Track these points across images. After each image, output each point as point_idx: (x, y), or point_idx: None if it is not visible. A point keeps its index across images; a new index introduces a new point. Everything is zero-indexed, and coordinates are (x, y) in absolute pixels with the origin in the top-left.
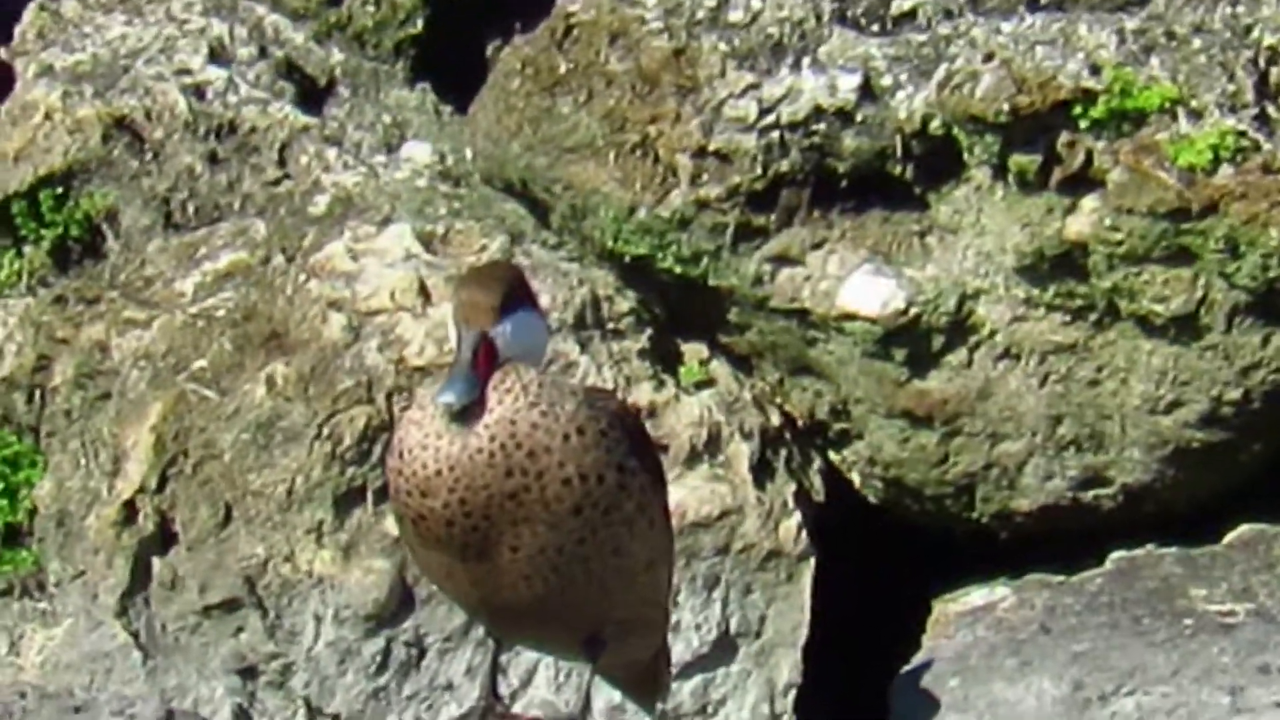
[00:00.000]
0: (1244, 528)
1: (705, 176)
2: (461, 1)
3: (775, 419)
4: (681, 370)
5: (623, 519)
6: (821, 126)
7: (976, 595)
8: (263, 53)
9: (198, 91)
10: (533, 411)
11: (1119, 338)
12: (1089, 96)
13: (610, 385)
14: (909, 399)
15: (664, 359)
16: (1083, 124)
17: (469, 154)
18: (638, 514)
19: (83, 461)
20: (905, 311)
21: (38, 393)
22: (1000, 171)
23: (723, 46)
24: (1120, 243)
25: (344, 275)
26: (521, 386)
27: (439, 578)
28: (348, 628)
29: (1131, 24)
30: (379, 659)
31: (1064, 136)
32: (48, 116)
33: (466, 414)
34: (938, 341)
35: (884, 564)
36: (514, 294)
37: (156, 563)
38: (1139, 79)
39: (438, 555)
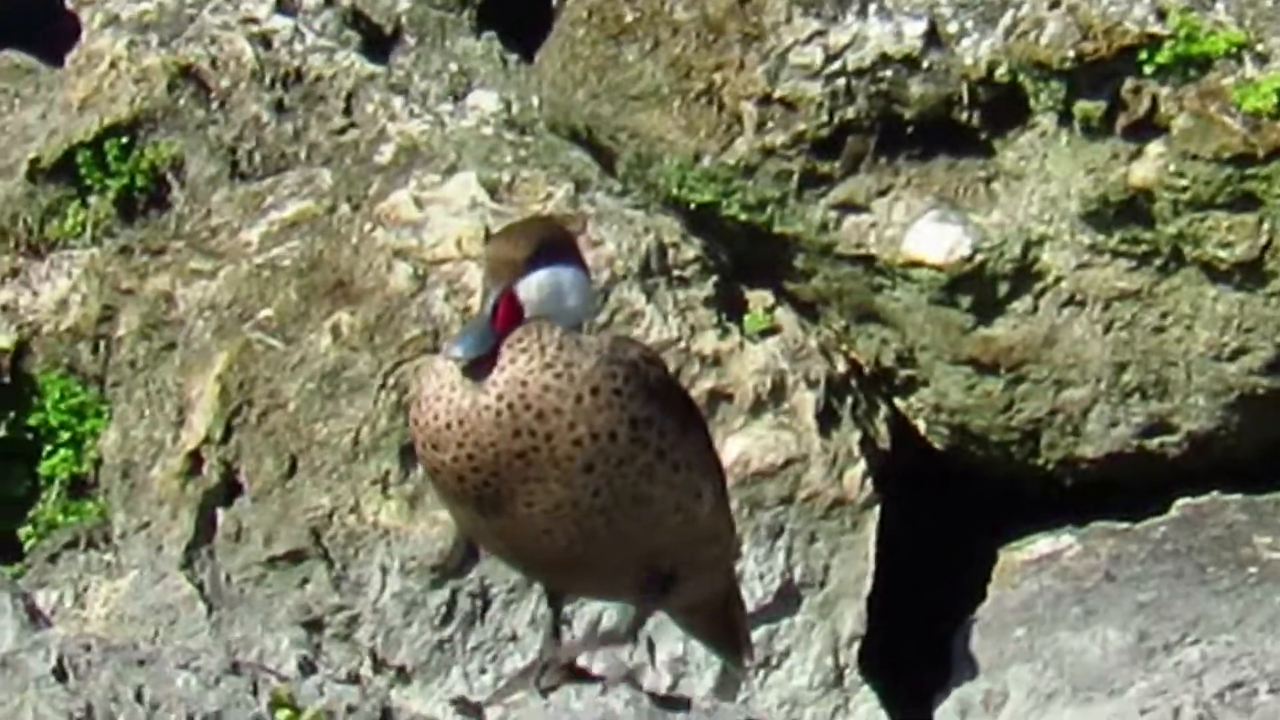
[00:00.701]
0: None
1: (770, 124)
2: None
3: (841, 366)
4: (746, 318)
5: (640, 469)
6: (887, 73)
7: (1042, 543)
8: (329, 1)
9: (264, 40)
10: (546, 373)
11: (1184, 284)
12: (1154, 42)
13: (674, 333)
14: (974, 346)
15: (729, 307)
16: (1148, 70)
17: (535, 102)
18: (657, 461)
19: (148, 412)
20: (971, 258)
21: (103, 343)
22: (1065, 118)
23: None
24: (1185, 189)
25: (410, 224)
26: (539, 346)
27: (468, 530)
28: (413, 579)
29: None
30: (444, 610)
31: (1129, 83)
32: (113, 66)
33: (479, 368)
34: (1003, 288)
35: (949, 512)
36: (546, 249)
37: (221, 514)
38: (1204, 24)
39: (461, 508)
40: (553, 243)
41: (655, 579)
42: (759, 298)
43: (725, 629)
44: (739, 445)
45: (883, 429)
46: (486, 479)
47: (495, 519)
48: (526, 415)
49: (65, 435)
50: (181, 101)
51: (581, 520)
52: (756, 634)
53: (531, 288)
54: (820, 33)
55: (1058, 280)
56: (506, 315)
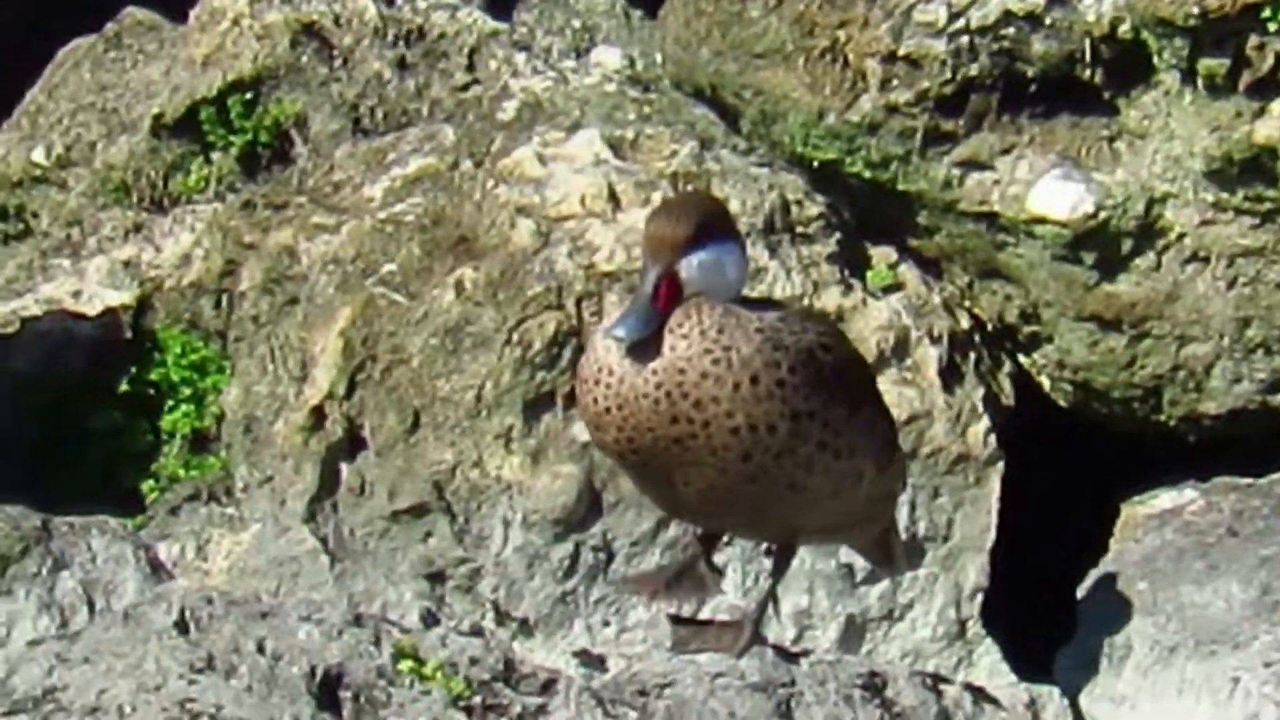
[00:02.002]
0: None
1: (895, 81)
2: None
3: (964, 323)
4: (870, 274)
5: (799, 461)
6: (1011, 31)
7: (1164, 498)
8: None
9: None
10: (705, 359)
11: None
12: None
13: (798, 290)
14: (1098, 302)
15: (852, 263)
16: (1272, 26)
17: (658, 59)
18: (817, 452)
19: (270, 367)
20: (1094, 215)
21: (225, 298)
22: (1189, 75)
23: None
24: None
25: (533, 181)
26: (700, 331)
27: (637, 486)
28: (536, 532)
29: None
30: (567, 563)
31: (1253, 40)
32: (236, 23)
33: (641, 349)
34: (1126, 245)
35: (1072, 468)
36: (706, 226)
37: (345, 468)
38: None
39: (625, 471)
40: (712, 219)
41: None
42: (882, 254)
43: (878, 550)
44: None
45: (1006, 385)
46: (645, 460)
47: (658, 488)
48: (684, 403)
49: (187, 391)
50: (304, 58)
51: (736, 502)
52: (880, 587)
53: (694, 267)
54: None
55: (1181, 237)
56: (668, 295)
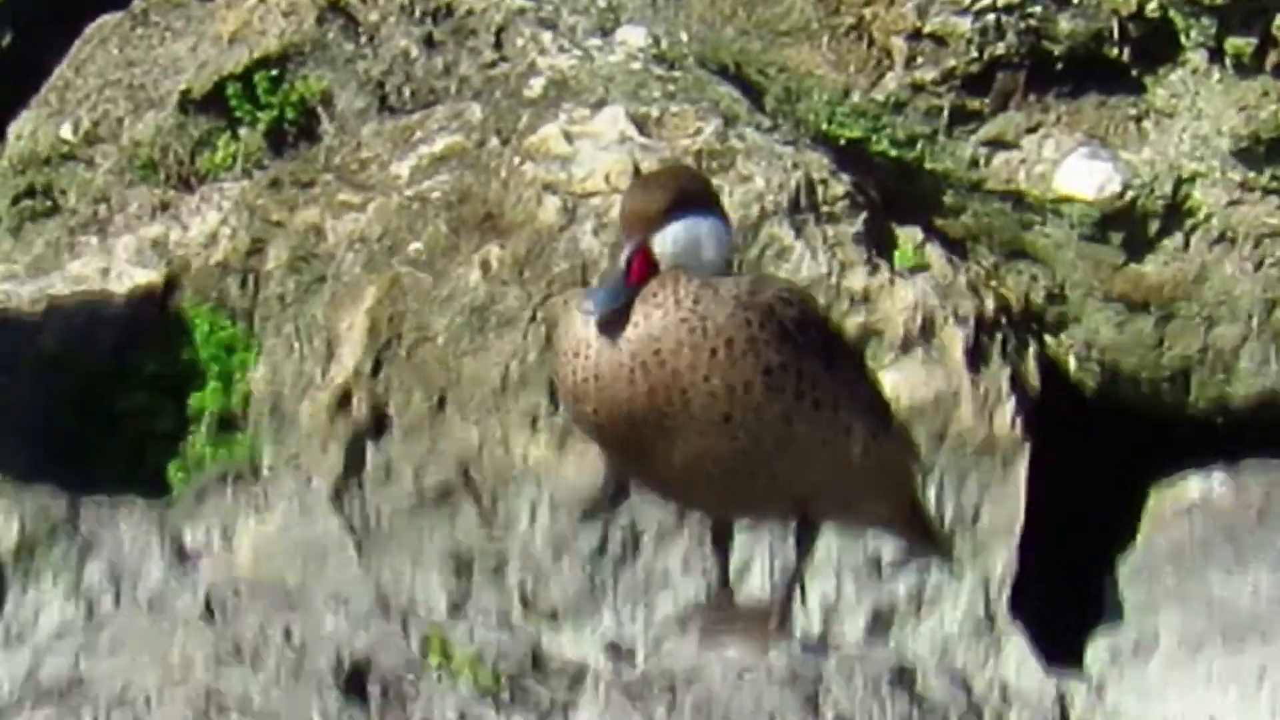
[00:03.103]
0: None
1: (920, 60)
2: None
3: (990, 304)
4: (895, 254)
5: (779, 414)
6: (1037, 9)
7: (1192, 483)
8: None
9: None
10: (681, 328)
11: None
12: None
13: (824, 270)
14: (1125, 283)
15: (878, 243)
16: None
17: (683, 37)
18: (795, 403)
19: (296, 346)
20: (1121, 195)
21: (251, 277)
22: (1216, 54)
23: None
24: None
25: (559, 158)
26: (674, 300)
27: (620, 472)
28: (562, 515)
29: None
30: (595, 549)
31: None
32: (262, 0)
33: (613, 323)
34: (1153, 225)
35: (1099, 452)
36: (682, 200)
37: (370, 449)
38: None
39: (609, 454)
40: (689, 193)
41: (804, 527)
42: (908, 234)
43: (911, 531)
44: (888, 382)
45: (1033, 367)
46: (625, 432)
47: (641, 465)
48: (660, 372)
49: (214, 370)
50: (330, 35)
51: (724, 464)
52: (907, 579)
53: (667, 240)
54: None
55: (1208, 218)
56: (641, 269)
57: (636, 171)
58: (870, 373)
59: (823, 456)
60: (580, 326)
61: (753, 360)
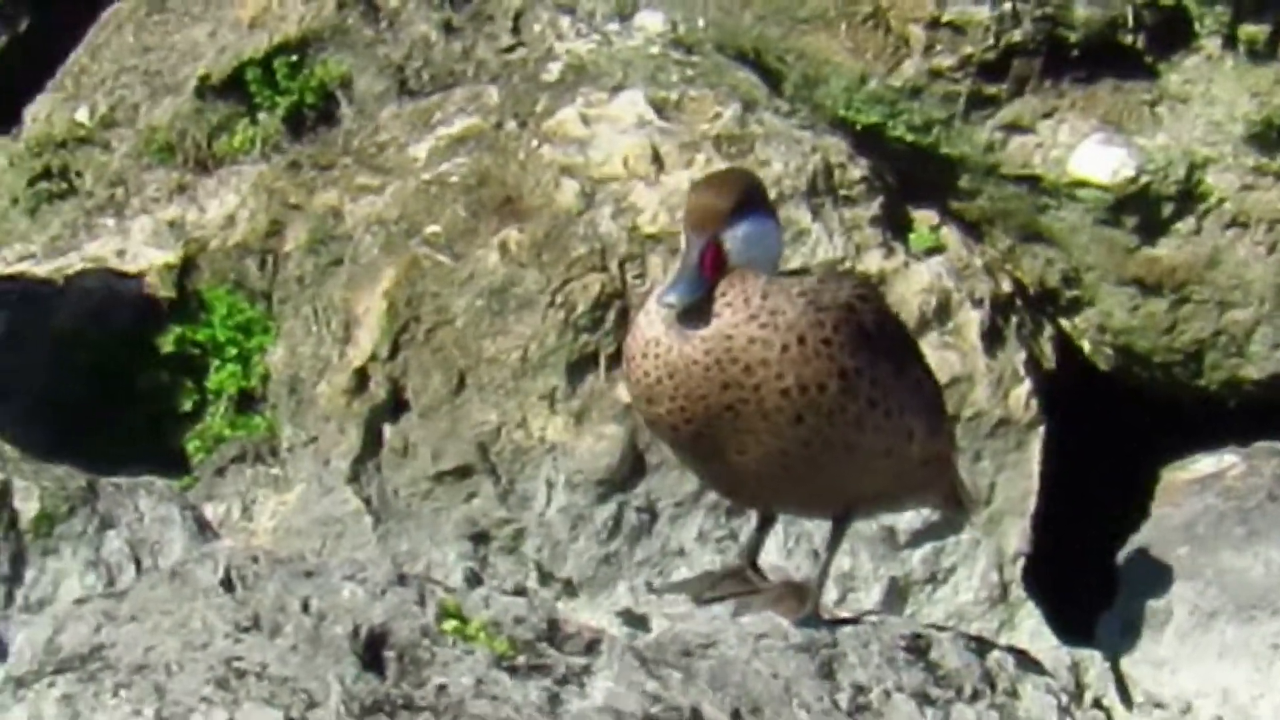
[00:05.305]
0: None
1: (938, 46)
2: None
3: (1006, 286)
4: (912, 237)
5: (850, 419)
6: None
7: (1205, 463)
8: None
9: None
10: (751, 324)
11: None
12: None
13: (840, 253)
14: (1139, 266)
15: (894, 226)
16: None
17: (701, 23)
18: (867, 409)
19: (315, 328)
20: (1135, 179)
21: (270, 259)
22: (1230, 41)
23: None
24: None
25: (577, 141)
26: (744, 298)
27: (689, 468)
28: (580, 493)
29: None
30: (610, 524)
31: None
32: None
33: (691, 315)
34: (1167, 209)
35: (1113, 432)
36: (747, 200)
37: (388, 429)
38: None
39: (678, 452)
40: (753, 194)
41: (845, 513)
42: (924, 217)
43: (948, 504)
44: None
45: (1048, 348)
46: (699, 429)
47: (712, 463)
48: (734, 369)
49: (232, 351)
50: (350, 20)
51: (791, 466)
52: (923, 551)
53: (737, 238)
54: None
55: (1221, 202)
56: (714, 263)
57: (655, 155)
58: (929, 367)
59: (885, 464)
60: (648, 327)
61: (827, 361)
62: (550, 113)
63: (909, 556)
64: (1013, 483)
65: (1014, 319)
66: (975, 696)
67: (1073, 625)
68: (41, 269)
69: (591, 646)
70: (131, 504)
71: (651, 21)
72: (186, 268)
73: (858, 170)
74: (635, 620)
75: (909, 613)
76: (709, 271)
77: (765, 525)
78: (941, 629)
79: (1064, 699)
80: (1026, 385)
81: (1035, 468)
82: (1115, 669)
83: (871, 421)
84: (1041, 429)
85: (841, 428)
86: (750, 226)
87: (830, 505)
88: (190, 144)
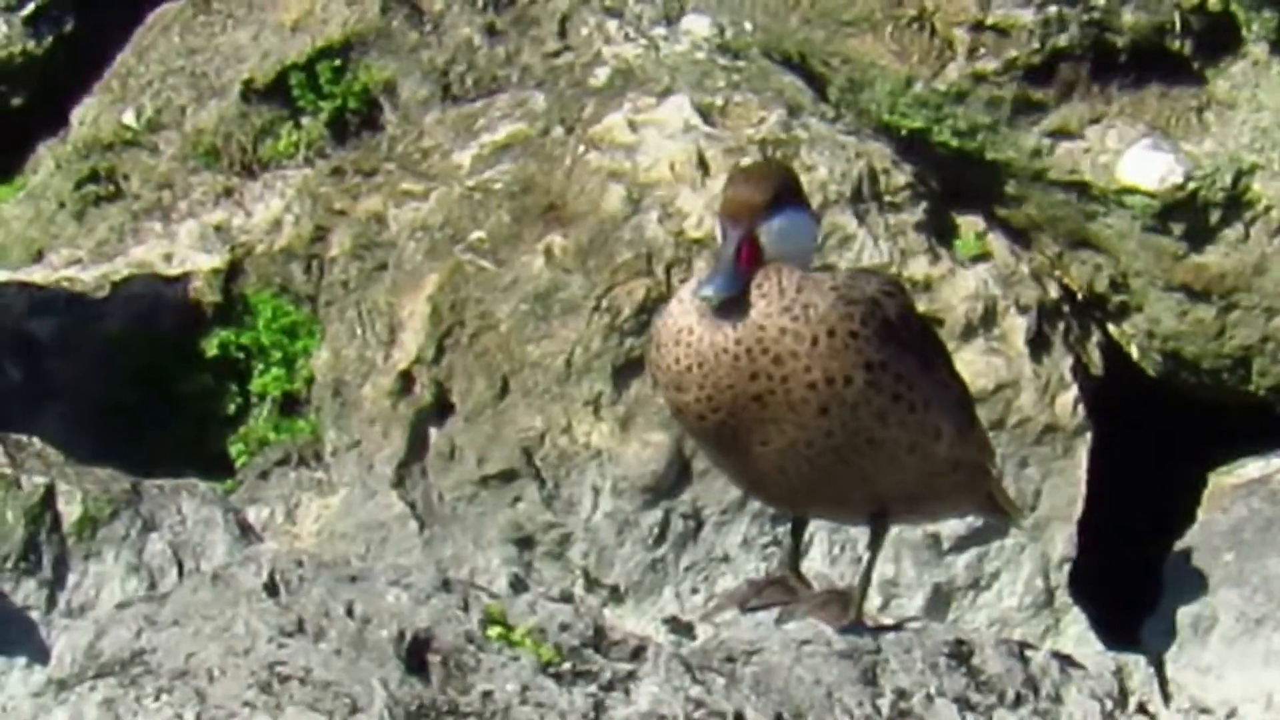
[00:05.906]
0: None
1: (983, 51)
2: None
3: (1053, 292)
4: (958, 243)
5: (874, 412)
6: (1100, 1)
7: (1252, 468)
8: None
9: None
10: (783, 316)
11: None
12: None
13: (885, 258)
14: (1187, 273)
15: (940, 232)
16: None
17: (747, 27)
18: (892, 404)
19: (359, 332)
20: (1183, 186)
21: (315, 263)
22: (1277, 47)
23: None
24: None
25: (623, 147)
26: (778, 290)
27: (713, 461)
28: (625, 499)
29: None
30: (656, 530)
31: None
32: None
33: (728, 308)
34: (1214, 216)
35: (1160, 438)
36: (783, 193)
37: (433, 433)
38: None
39: (703, 443)
40: (788, 188)
41: (880, 515)
42: (970, 223)
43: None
44: None
45: (1095, 355)
46: (725, 419)
47: (734, 455)
48: (764, 359)
49: (277, 355)
50: (394, 24)
51: (814, 459)
52: (967, 556)
53: (773, 232)
54: None
55: (1268, 209)
56: (750, 255)
57: (700, 160)
58: (956, 370)
59: (910, 461)
60: (681, 315)
61: (854, 354)
62: (597, 118)
63: (953, 562)
64: (1059, 489)
65: (1061, 325)
66: (1018, 702)
67: (1118, 630)
68: (88, 274)
69: (637, 653)
70: (174, 507)
71: (698, 25)
72: (232, 272)
73: (902, 176)
74: (681, 627)
75: (952, 619)
76: (745, 264)
77: (799, 529)
78: (984, 634)
79: (1108, 704)
80: (1073, 391)
81: (1081, 474)
82: (1160, 674)
83: (896, 416)
84: (1088, 435)
85: (867, 420)
86: (786, 219)
87: (858, 505)
88: (235, 148)
